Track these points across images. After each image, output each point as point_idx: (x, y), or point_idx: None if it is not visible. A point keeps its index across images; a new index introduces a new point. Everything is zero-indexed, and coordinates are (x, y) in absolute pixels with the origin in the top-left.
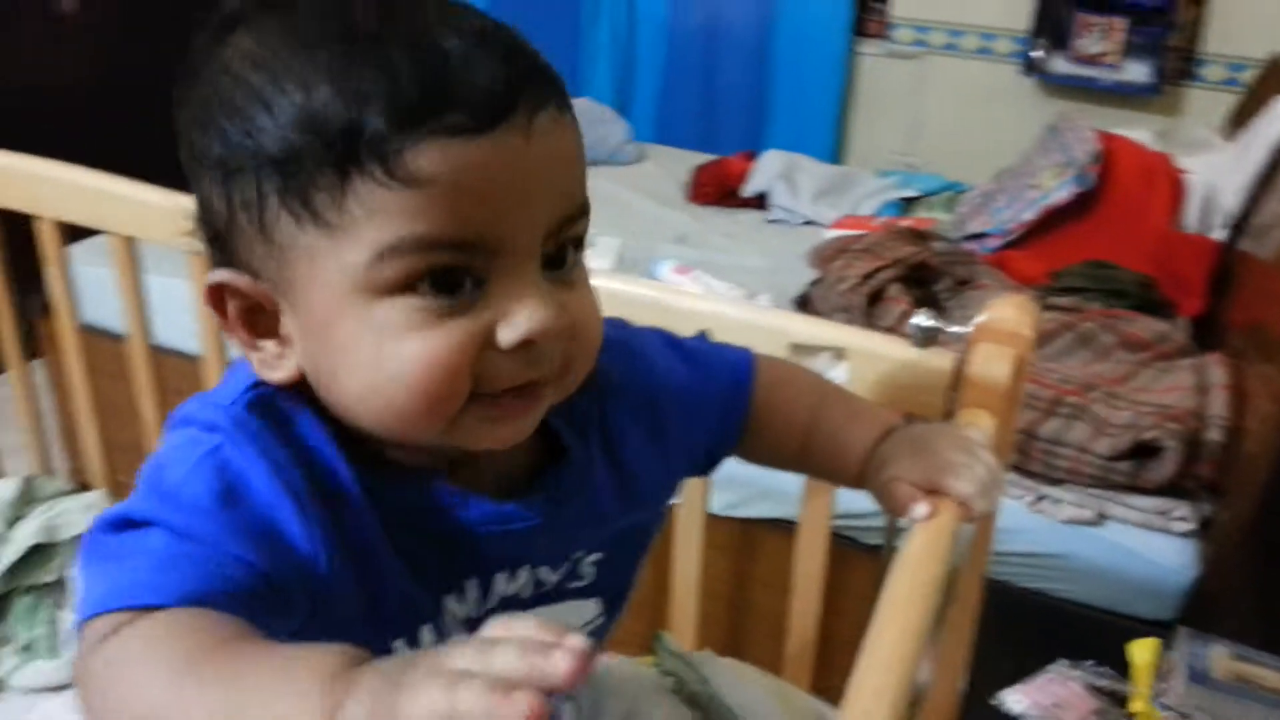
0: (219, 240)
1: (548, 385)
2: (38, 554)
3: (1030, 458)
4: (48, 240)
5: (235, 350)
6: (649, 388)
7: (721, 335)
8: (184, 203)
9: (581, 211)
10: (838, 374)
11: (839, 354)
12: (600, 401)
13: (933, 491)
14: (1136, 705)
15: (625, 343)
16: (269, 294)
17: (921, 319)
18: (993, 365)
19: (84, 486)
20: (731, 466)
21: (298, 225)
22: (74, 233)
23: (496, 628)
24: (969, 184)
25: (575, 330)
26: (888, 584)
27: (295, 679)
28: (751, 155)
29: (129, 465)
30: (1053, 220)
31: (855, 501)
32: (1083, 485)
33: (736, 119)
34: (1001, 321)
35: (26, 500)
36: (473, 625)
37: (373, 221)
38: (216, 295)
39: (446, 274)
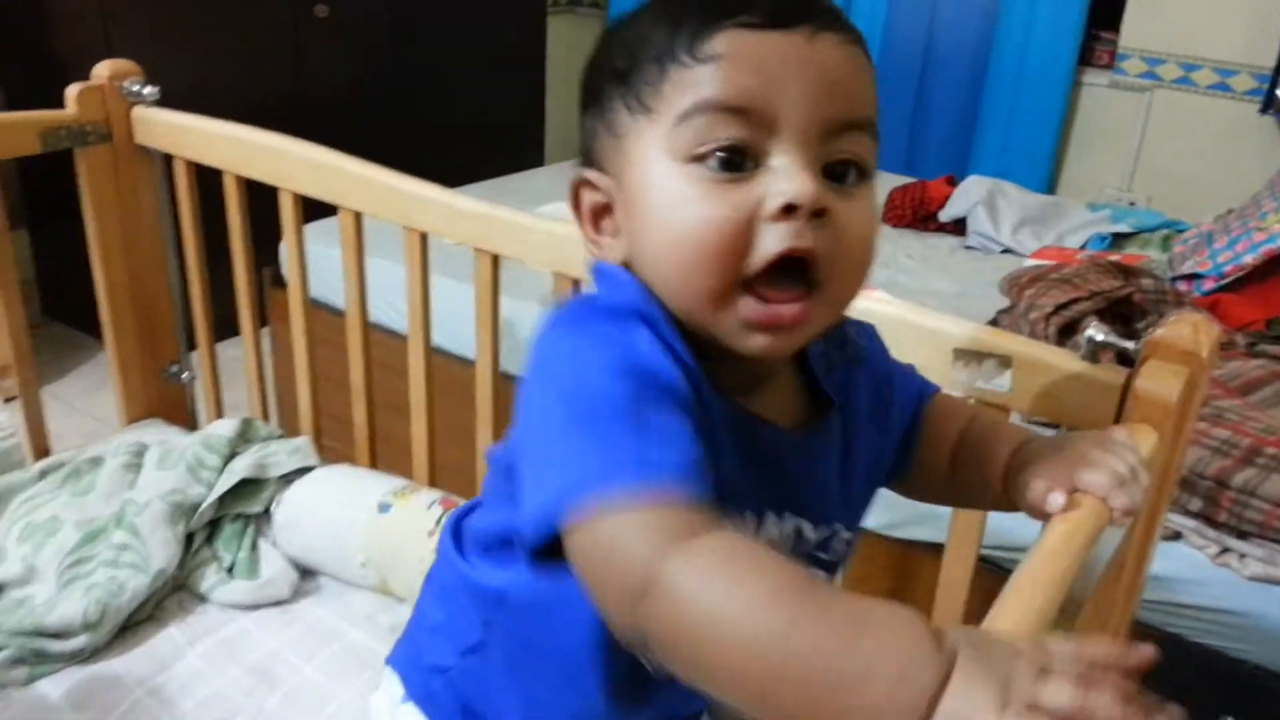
0: (587, 155)
1: (809, 298)
2: (247, 487)
3: (1219, 507)
4: (288, 211)
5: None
6: (883, 372)
7: (887, 337)
8: (408, 186)
9: (863, 126)
10: (1002, 382)
11: (1004, 362)
12: (851, 369)
13: (1073, 490)
14: None
15: (863, 324)
16: (611, 187)
17: (1094, 330)
18: (1162, 381)
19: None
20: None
21: (630, 115)
22: (309, 215)
23: (1083, 650)
24: (1189, 224)
25: (840, 237)
26: (1015, 573)
27: (898, 625)
28: (952, 180)
29: (333, 431)
30: (1273, 266)
31: (1006, 527)
32: (1273, 541)
33: (943, 142)
34: (1176, 339)
35: (243, 439)
36: None
37: (679, 95)
38: (576, 191)
39: (732, 152)
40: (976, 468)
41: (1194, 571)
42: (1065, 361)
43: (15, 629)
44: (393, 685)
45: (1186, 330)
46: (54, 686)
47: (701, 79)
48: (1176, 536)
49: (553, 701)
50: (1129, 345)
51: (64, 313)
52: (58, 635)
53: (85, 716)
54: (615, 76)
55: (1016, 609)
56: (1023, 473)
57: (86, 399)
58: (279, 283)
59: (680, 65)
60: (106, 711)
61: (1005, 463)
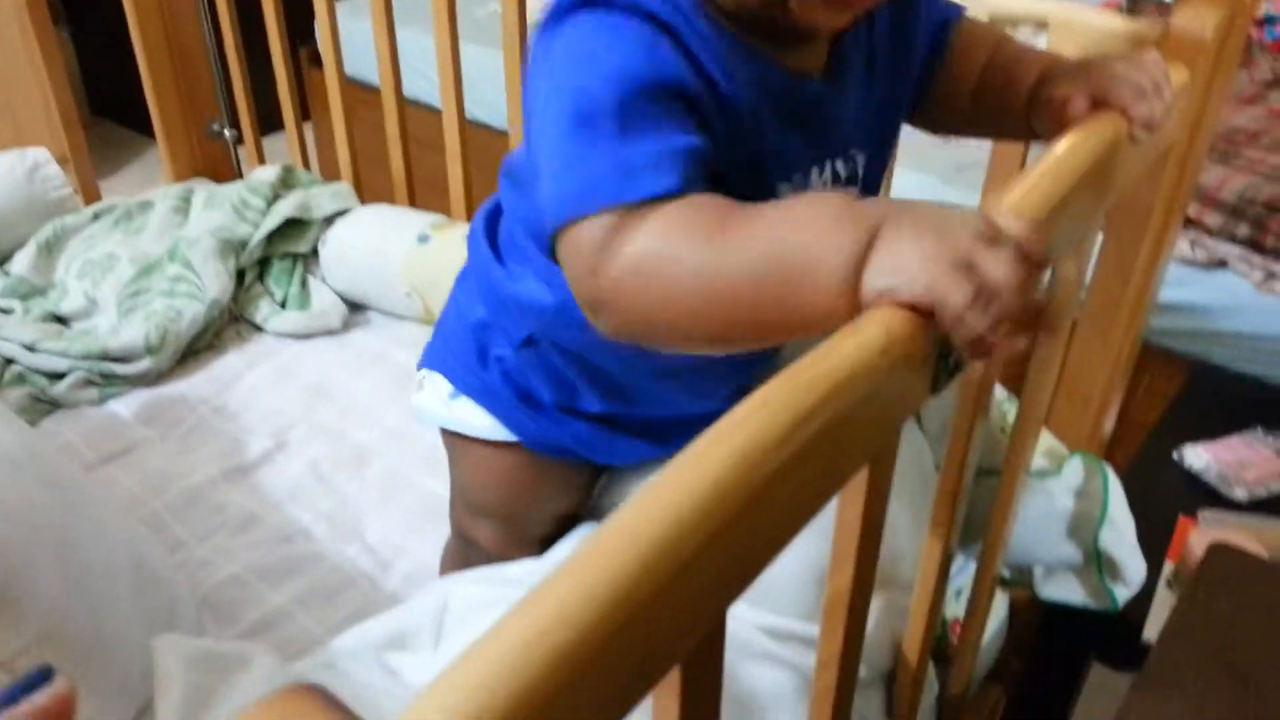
0: None
1: None
2: (293, 227)
3: (1267, 231)
4: None
5: None
6: None
7: None
8: None
9: None
10: (1038, 45)
11: (1040, 25)
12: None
13: (1096, 102)
14: None
15: None
16: None
17: None
18: (1197, 19)
19: None
20: None
21: None
22: None
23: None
24: None
25: None
26: (1024, 171)
27: (823, 206)
28: None
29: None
30: None
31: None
32: None
33: None
34: None
35: (285, 184)
36: None
37: None
38: None
39: None
40: (1001, 90)
41: (1236, 298)
42: (1101, 20)
43: (83, 353)
44: (437, 384)
45: None
46: (124, 406)
47: None
48: (1220, 265)
49: (612, 381)
50: None
51: (113, 111)
52: (122, 359)
53: (154, 430)
54: None
55: (1022, 193)
56: (1045, 86)
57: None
58: (317, 63)
59: None
60: (174, 426)
61: (1031, 85)
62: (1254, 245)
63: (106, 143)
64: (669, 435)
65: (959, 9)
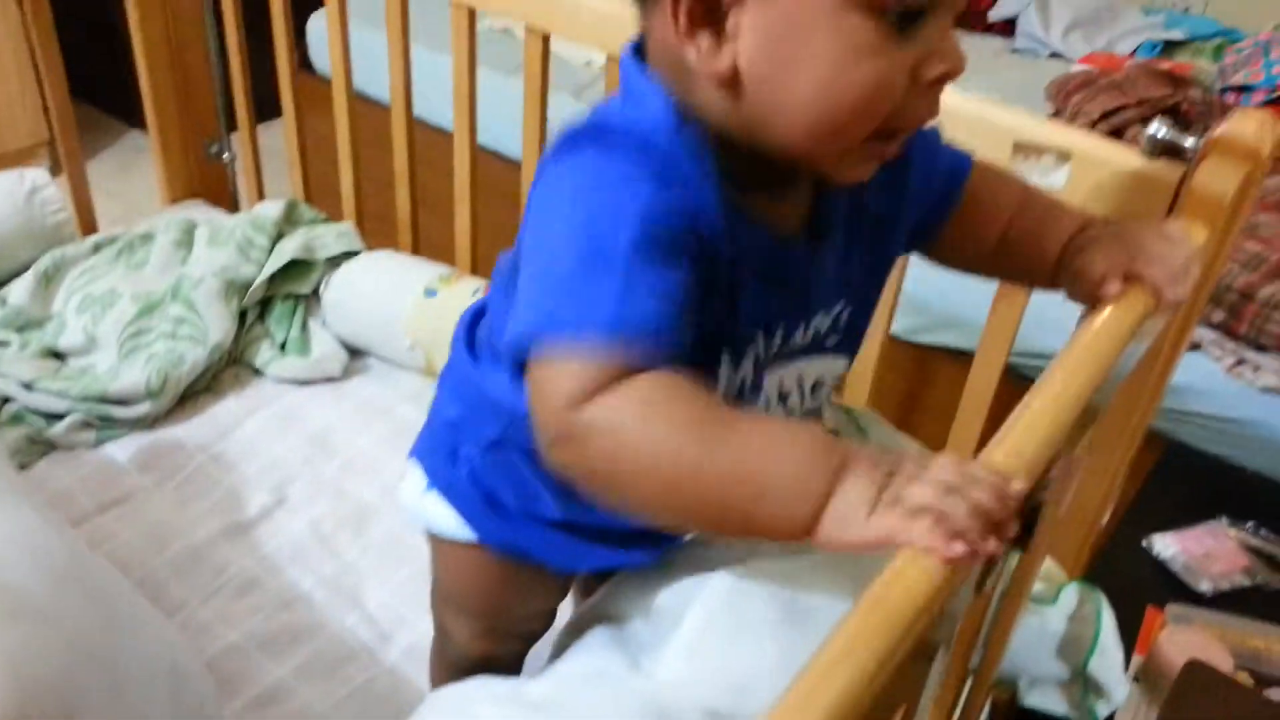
0: None
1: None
2: (296, 268)
3: (1240, 319)
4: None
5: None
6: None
7: (947, 128)
8: None
9: None
10: (1058, 178)
11: (1062, 156)
12: None
13: (1128, 278)
14: None
15: None
16: None
17: (1157, 125)
18: (1219, 178)
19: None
20: (918, 290)
21: None
22: None
23: (962, 465)
24: (1244, 33)
25: None
26: (1061, 352)
27: (797, 443)
28: None
29: (369, 223)
30: None
31: (1038, 339)
32: None
33: None
34: (1239, 135)
35: (289, 221)
36: (759, 368)
37: None
38: None
39: (917, 10)
40: (1028, 250)
41: (1207, 382)
42: (1123, 157)
43: (82, 394)
44: (416, 476)
45: (1251, 126)
46: (120, 449)
47: None
48: (1195, 347)
49: (572, 488)
50: (1189, 141)
51: (90, 94)
52: (122, 402)
53: (151, 477)
54: None
55: (1054, 389)
56: (1079, 255)
57: (116, 182)
58: (305, 66)
59: None
60: (172, 474)
61: (1060, 247)
62: (1227, 331)
63: (81, 127)
64: (630, 542)
65: (969, 158)
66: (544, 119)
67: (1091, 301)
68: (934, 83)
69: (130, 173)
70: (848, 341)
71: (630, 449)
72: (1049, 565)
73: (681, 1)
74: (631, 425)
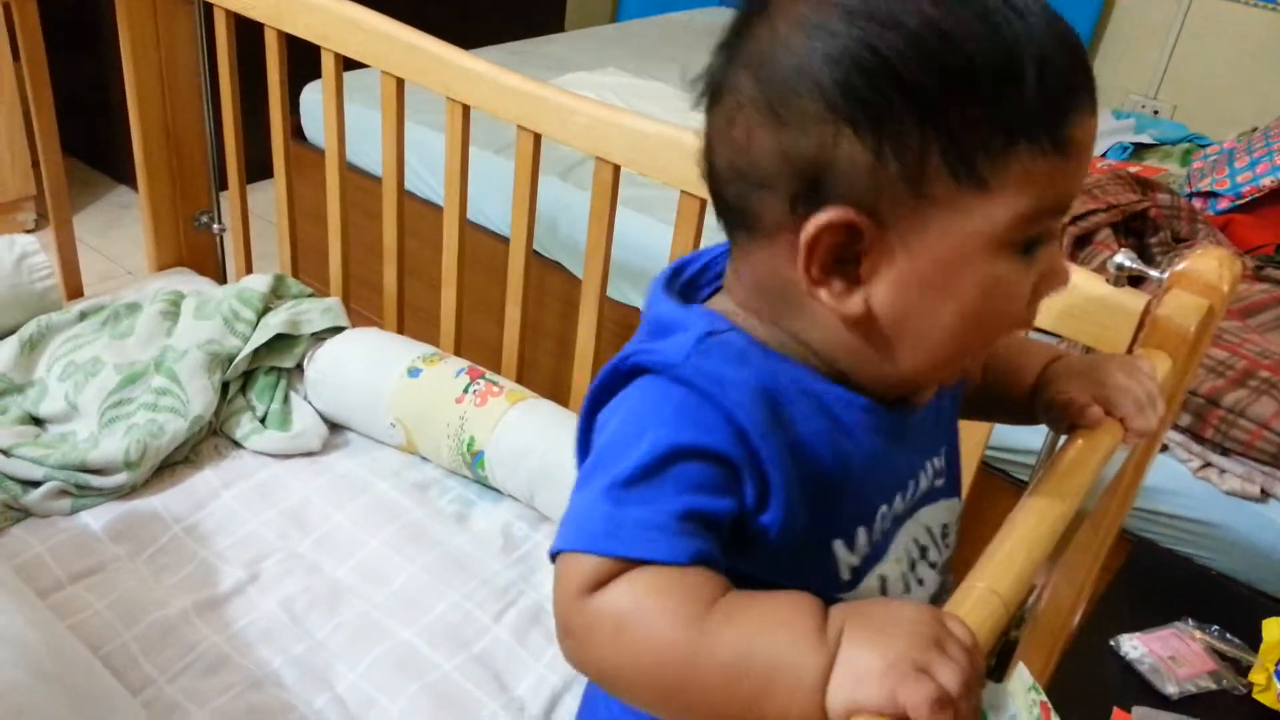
0: (812, 178)
1: None
2: (281, 341)
3: (1206, 424)
4: (328, 71)
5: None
6: None
7: None
8: (455, 58)
9: None
10: None
11: None
12: None
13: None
14: (1257, 675)
15: None
16: (873, 231)
17: (1122, 258)
18: (1182, 312)
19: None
20: None
21: (953, 179)
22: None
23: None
24: (1212, 139)
25: None
26: (1034, 483)
27: (793, 627)
28: None
29: (357, 291)
30: None
31: (1011, 435)
32: (1254, 460)
33: None
34: (1200, 272)
35: (275, 295)
36: (886, 536)
37: (1029, 185)
38: (829, 231)
39: (1045, 238)
40: (1005, 378)
41: (1174, 483)
42: (1089, 284)
43: (60, 462)
44: None
45: (1212, 264)
46: (95, 518)
47: (1058, 173)
48: (1164, 448)
49: None
50: (1154, 273)
51: (77, 147)
52: (100, 471)
53: (125, 547)
54: (925, 109)
55: (1036, 516)
56: (1050, 387)
57: (101, 238)
58: (298, 134)
59: (1037, 149)
60: (145, 545)
61: (1034, 379)
62: (1194, 435)
63: (71, 181)
64: None
65: None
66: (533, 211)
67: (1068, 429)
68: (1042, 295)
69: (115, 229)
70: (950, 481)
71: (630, 640)
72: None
73: (817, 250)
74: (632, 616)
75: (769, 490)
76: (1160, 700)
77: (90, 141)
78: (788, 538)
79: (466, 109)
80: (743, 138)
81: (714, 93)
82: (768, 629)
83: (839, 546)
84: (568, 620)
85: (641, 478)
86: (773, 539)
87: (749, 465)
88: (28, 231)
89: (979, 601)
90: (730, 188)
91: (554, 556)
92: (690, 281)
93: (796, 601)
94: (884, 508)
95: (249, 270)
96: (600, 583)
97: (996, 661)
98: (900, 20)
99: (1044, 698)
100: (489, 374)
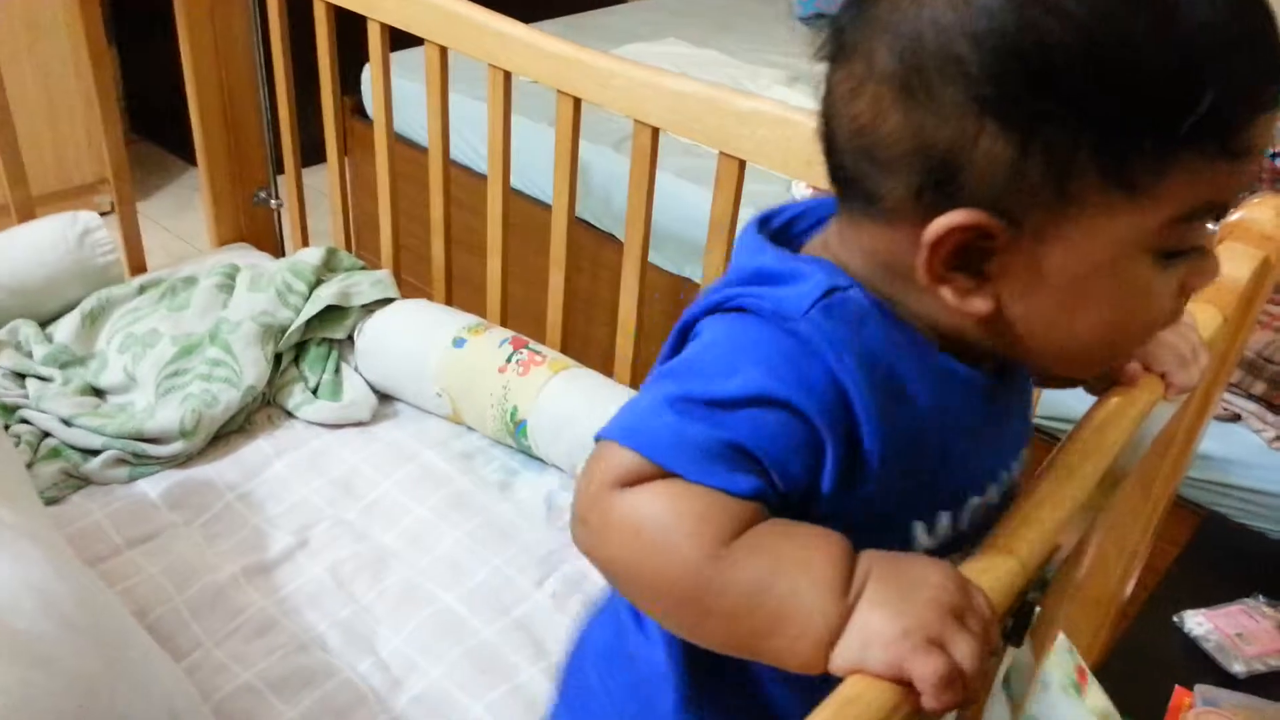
0: (942, 170)
1: None
2: (332, 313)
3: None
4: (375, 41)
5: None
6: None
7: None
8: (494, 23)
9: None
10: None
11: None
12: None
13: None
14: None
15: None
16: (1007, 235)
17: None
18: (1234, 263)
19: (371, 267)
20: None
21: (1103, 182)
22: (394, 46)
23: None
24: None
25: None
26: (1066, 439)
27: (817, 572)
28: None
29: (409, 265)
30: None
31: (1062, 402)
32: None
33: None
34: (1254, 222)
35: (328, 268)
36: (985, 516)
37: (1188, 190)
38: (956, 232)
39: (1191, 241)
40: None
41: (1248, 454)
42: None
43: (118, 432)
44: None
45: (1267, 213)
46: (152, 486)
47: (1223, 177)
48: (1235, 419)
49: None
50: (1211, 227)
51: (153, 131)
52: (156, 440)
53: (180, 515)
54: (1083, 107)
55: (1073, 470)
56: None
57: (173, 219)
58: (359, 112)
59: (1202, 155)
60: (200, 512)
61: None
62: (1268, 404)
63: (143, 163)
64: None
65: None
66: (574, 176)
67: (1106, 386)
68: (1189, 293)
69: (188, 210)
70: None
71: (648, 546)
72: (1103, 701)
73: (940, 250)
74: (657, 523)
75: (861, 462)
76: (1225, 678)
77: (166, 126)
78: (871, 511)
79: (508, 75)
80: (867, 112)
81: (839, 49)
82: (791, 570)
83: (919, 529)
84: (586, 508)
85: (720, 406)
86: (853, 512)
87: (842, 436)
88: (103, 214)
89: (992, 562)
90: (849, 158)
91: (598, 441)
92: (778, 234)
93: (828, 545)
94: (975, 498)
95: (305, 245)
96: (635, 481)
97: (1014, 624)
98: (1064, 4)
99: (1081, 662)
100: (533, 344)
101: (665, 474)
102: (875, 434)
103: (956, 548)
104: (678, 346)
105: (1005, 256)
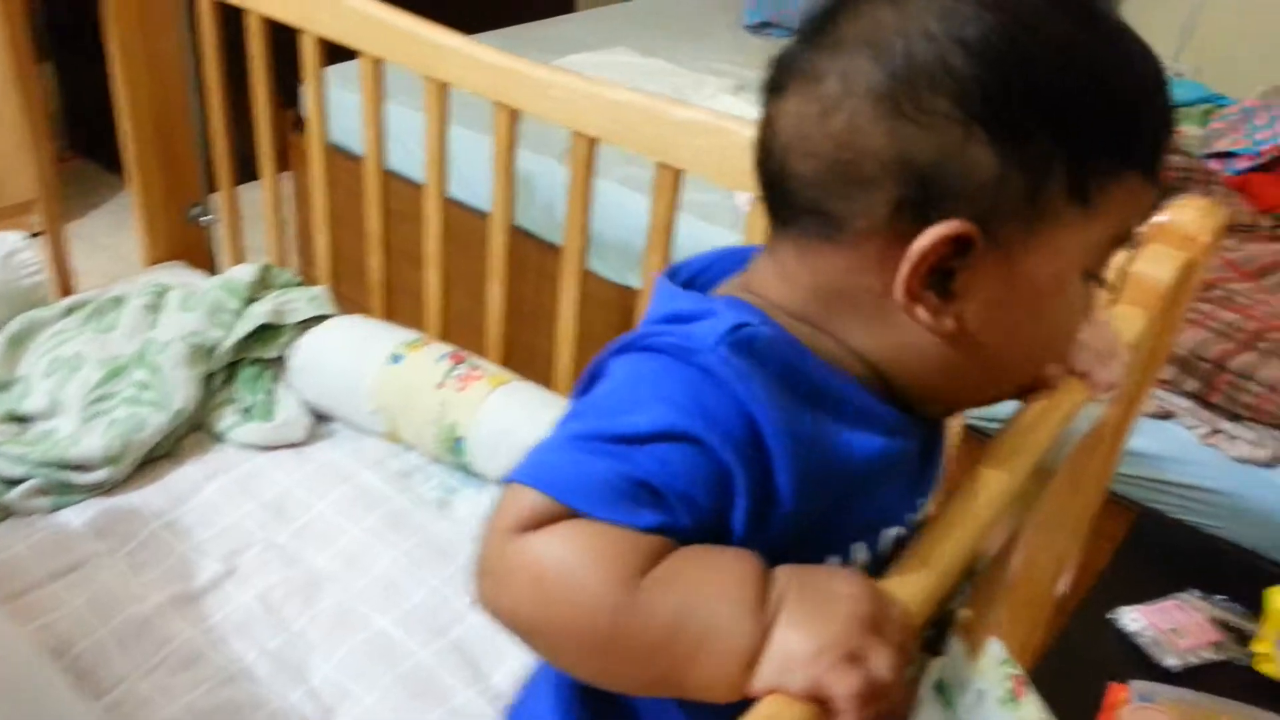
0: (927, 182)
1: None
2: (266, 332)
3: (1214, 389)
4: (309, 54)
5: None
6: None
7: None
8: (429, 34)
9: None
10: None
11: None
12: None
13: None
14: (1260, 646)
15: None
16: (980, 244)
17: None
18: (1157, 265)
19: (311, 283)
20: None
21: (1069, 195)
22: (332, 58)
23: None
24: (1231, 99)
25: None
26: (994, 440)
27: (728, 593)
28: None
29: (350, 277)
30: None
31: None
32: (1263, 424)
33: None
34: (1179, 224)
35: (263, 285)
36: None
37: (1124, 210)
38: (942, 244)
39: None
40: None
41: (1182, 451)
42: None
43: (41, 460)
44: None
45: (1190, 215)
46: (76, 515)
47: (1146, 201)
48: (1168, 416)
49: None
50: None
51: (91, 148)
52: (80, 467)
53: (105, 544)
54: (1062, 121)
55: (993, 476)
56: None
57: (110, 237)
58: (300, 126)
59: (1139, 176)
60: (125, 540)
61: None
62: (1201, 401)
63: (82, 181)
64: None
65: None
66: (511, 187)
67: (1030, 390)
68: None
69: (126, 229)
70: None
71: (551, 591)
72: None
73: (924, 262)
74: (561, 565)
75: (773, 496)
76: (1160, 673)
77: (105, 144)
78: (784, 544)
79: (444, 86)
80: (843, 130)
81: (798, 77)
82: (708, 593)
83: (833, 561)
84: (488, 556)
85: (626, 441)
86: (767, 543)
87: (753, 468)
88: (37, 234)
89: (911, 573)
90: (809, 184)
91: (505, 485)
92: (686, 286)
93: (741, 565)
94: (894, 529)
95: (241, 262)
96: (539, 523)
97: (935, 633)
98: (1043, 25)
99: (1018, 671)
100: (472, 358)
101: (571, 514)
102: (788, 468)
103: (875, 574)
104: (588, 388)
105: (975, 272)
